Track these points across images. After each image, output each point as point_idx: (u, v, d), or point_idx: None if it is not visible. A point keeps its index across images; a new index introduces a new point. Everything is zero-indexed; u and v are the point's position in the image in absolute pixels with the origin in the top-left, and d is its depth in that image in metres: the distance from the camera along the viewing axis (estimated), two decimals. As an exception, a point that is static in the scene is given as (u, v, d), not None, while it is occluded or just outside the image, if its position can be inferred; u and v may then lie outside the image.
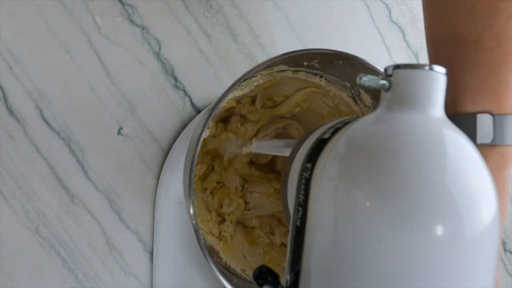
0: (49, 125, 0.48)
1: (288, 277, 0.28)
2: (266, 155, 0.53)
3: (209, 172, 0.51)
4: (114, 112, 0.50)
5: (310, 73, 0.47)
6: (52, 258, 0.48)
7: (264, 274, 0.28)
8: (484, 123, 0.31)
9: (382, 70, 0.42)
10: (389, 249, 0.24)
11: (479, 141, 0.31)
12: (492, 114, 0.31)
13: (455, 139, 0.27)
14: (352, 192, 0.25)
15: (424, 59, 0.60)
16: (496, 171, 0.31)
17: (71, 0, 0.48)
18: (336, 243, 0.25)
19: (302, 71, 0.47)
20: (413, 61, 0.60)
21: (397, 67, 0.28)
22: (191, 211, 0.40)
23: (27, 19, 0.47)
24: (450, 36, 0.33)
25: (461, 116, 0.32)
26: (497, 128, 0.31)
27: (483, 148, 0.31)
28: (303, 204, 0.28)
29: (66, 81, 0.48)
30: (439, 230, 0.23)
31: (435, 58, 0.36)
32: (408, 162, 0.25)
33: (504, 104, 0.32)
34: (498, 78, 0.31)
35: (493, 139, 0.31)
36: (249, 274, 0.48)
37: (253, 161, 0.53)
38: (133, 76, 0.50)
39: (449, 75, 0.30)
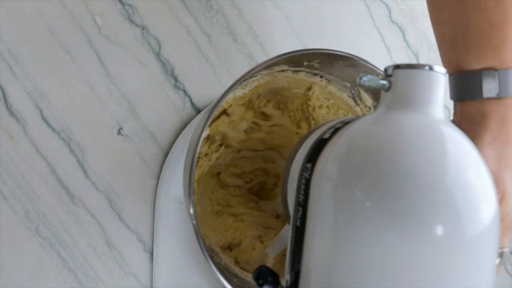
0: (49, 125, 0.48)
1: (288, 277, 0.28)
2: None
3: None
4: (114, 112, 0.50)
5: (310, 73, 0.47)
6: (52, 258, 0.48)
7: (264, 274, 0.28)
8: (489, 78, 0.33)
9: (382, 70, 0.42)
10: (389, 248, 0.24)
11: (485, 95, 0.33)
12: (496, 70, 0.33)
13: (455, 139, 0.27)
14: (352, 192, 0.25)
15: (424, 59, 0.60)
16: (501, 121, 0.34)
17: (71, 0, 0.48)
18: (336, 243, 0.25)
19: (302, 71, 0.47)
20: (413, 61, 0.60)
21: (397, 67, 0.28)
22: (191, 211, 0.40)
23: (27, 19, 0.47)
24: None
25: (466, 74, 0.34)
26: (501, 82, 0.33)
27: (488, 102, 0.33)
28: (303, 204, 0.28)
29: (66, 81, 0.48)
30: (439, 230, 0.23)
31: (437, 20, 0.37)
32: (408, 162, 0.25)
33: (506, 60, 0.33)
34: (500, 35, 0.33)
35: (498, 93, 0.33)
36: (248, 274, 0.48)
37: None
38: (133, 76, 0.50)
39: (452, 35, 0.32)
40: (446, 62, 0.36)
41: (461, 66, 0.35)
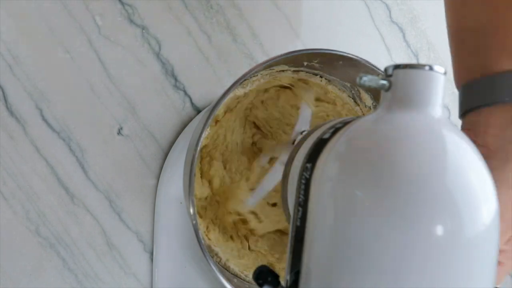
0: (49, 125, 0.48)
1: (288, 277, 0.28)
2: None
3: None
4: (114, 112, 0.50)
5: (310, 73, 0.47)
6: (52, 258, 0.48)
7: (264, 274, 0.28)
8: None
9: (382, 70, 0.42)
10: (389, 249, 0.24)
11: None
12: None
13: (455, 139, 0.27)
14: (352, 192, 0.25)
15: (424, 59, 0.60)
16: None
17: (71, 0, 0.48)
18: (336, 243, 0.25)
19: (302, 71, 0.47)
20: (413, 61, 0.60)
21: (397, 67, 0.28)
22: (191, 211, 0.40)
23: (27, 19, 0.47)
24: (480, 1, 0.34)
25: (497, 76, 0.33)
26: None
27: None
28: (303, 204, 0.28)
29: (66, 81, 0.48)
30: (439, 230, 0.24)
31: (463, 24, 0.36)
32: (407, 162, 0.25)
33: None
34: None
35: None
36: (248, 274, 0.48)
37: None
38: (133, 76, 0.50)
39: (479, 38, 0.31)
40: (463, 69, 0.35)
41: (491, 67, 0.33)
